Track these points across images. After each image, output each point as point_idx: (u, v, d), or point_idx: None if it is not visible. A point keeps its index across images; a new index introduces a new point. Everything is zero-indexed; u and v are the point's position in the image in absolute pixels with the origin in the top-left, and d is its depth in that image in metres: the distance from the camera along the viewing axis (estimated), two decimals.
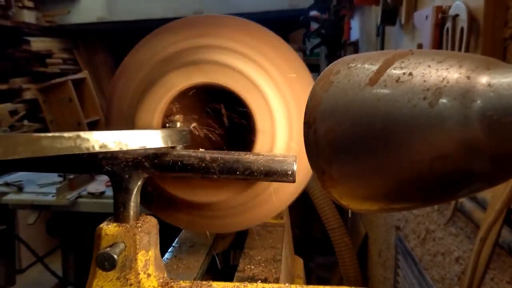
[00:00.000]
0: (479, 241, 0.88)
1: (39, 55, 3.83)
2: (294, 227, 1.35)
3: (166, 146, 0.71)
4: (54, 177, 2.71)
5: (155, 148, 0.69)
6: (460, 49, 0.99)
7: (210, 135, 0.90)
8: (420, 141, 0.37)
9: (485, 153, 0.35)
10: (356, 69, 0.44)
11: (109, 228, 0.65)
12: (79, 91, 3.83)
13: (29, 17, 3.62)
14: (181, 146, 0.77)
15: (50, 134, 0.49)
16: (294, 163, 0.70)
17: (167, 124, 0.82)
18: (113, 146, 0.57)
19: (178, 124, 0.82)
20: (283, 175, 0.69)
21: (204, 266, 0.96)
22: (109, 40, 4.44)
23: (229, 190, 0.82)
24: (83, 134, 0.53)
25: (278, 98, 0.83)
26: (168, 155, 0.69)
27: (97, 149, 0.55)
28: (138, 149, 0.67)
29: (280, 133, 0.82)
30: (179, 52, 0.84)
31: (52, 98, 3.68)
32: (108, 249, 0.63)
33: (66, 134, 0.50)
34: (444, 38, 1.09)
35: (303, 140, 0.49)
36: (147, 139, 0.65)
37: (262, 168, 0.69)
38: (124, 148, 0.60)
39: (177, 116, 0.83)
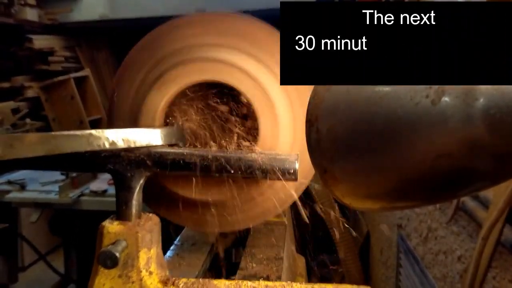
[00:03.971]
0: (481, 239, 0.87)
1: (41, 53, 3.82)
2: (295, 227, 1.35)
3: (169, 143, 0.72)
4: (56, 175, 2.71)
5: (156, 146, 0.69)
6: None
7: (213, 133, 0.90)
8: (422, 140, 0.37)
9: (487, 151, 0.35)
10: None
11: (111, 226, 0.66)
12: (81, 89, 3.82)
13: (31, 15, 3.61)
14: (181, 143, 0.78)
15: (65, 133, 0.51)
16: (296, 161, 0.70)
17: (169, 121, 0.83)
18: (121, 144, 0.59)
19: (180, 121, 0.83)
20: (285, 174, 0.69)
21: (206, 264, 0.97)
22: (111, 38, 4.44)
23: (230, 188, 0.83)
24: (95, 132, 0.55)
25: (281, 95, 0.83)
26: (170, 154, 0.70)
27: (107, 146, 0.56)
28: (141, 148, 0.67)
29: (283, 131, 0.82)
30: (182, 50, 0.83)
31: (54, 96, 3.68)
32: (110, 247, 0.63)
33: (79, 133, 0.52)
34: None
35: (305, 138, 0.49)
36: (152, 137, 0.67)
37: (264, 167, 0.69)
38: (132, 146, 0.62)
39: (177, 114, 0.83)
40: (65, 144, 0.53)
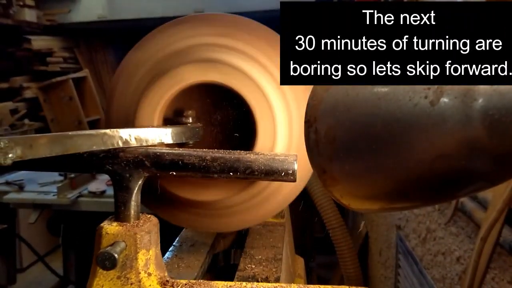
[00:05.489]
0: (480, 240, 0.87)
1: (40, 54, 3.82)
2: (294, 227, 1.35)
3: (180, 142, 0.75)
4: (55, 176, 2.70)
5: (154, 146, 0.70)
6: None
7: (211, 133, 0.90)
8: (421, 140, 0.37)
9: (486, 152, 0.35)
10: None
11: (110, 227, 0.65)
12: (80, 90, 3.82)
13: (30, 15, 3.61)
14: (192, 142, 0.81)
15: (81, 132, 0.54)
16: (295, 162, 0.69)
17: (182, 119, 0.84)
18: (134, 143, 0.62)
19: (190, 120, 0.84)
20: (284, 175, 0.69)
21: (205, 265, 0.96)
22: (110, 38, 4.44)
23: (230, 189, 0.82)
24: (110, 131, 0.59)
25: (279, 97, 0.83)
26: (169, 154, 0.69)
27: (120, 145, 0.61)
28: (139, 148, 0.67)
29: (280, 132, 0.82)
30: (179, 51, 0.83)
31: (53, 97, 3.68)
32: (108, 248, 0.62)
33: (94, 132, 0.57)
34: None
35: (303, 139, 0.49)
36: (164, 135, 0.69)
37: (262, 168, 0.69)
38: (144, 144, 0.64)
39: (190, 112, 0.85)
40: (81, 143, 0.55)
